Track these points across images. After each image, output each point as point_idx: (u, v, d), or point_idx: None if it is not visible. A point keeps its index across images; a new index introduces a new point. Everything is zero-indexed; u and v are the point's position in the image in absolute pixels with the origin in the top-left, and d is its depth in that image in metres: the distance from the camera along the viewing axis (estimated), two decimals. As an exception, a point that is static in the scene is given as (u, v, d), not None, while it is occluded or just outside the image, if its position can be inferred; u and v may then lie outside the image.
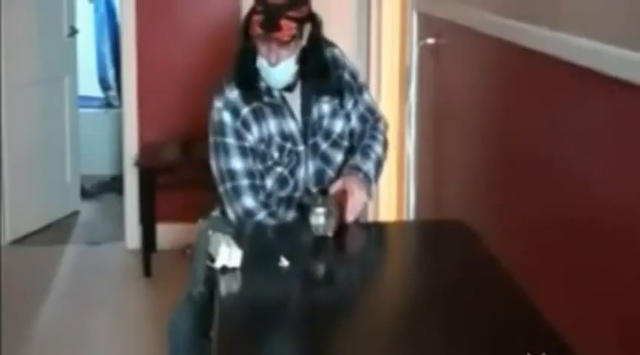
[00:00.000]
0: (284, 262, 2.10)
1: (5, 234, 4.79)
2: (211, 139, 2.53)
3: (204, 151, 2.63)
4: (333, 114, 2.56)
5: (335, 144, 2.57)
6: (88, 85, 6.11)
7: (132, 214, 4.77)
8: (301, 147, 2.53)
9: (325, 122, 2.55)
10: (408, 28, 3.44)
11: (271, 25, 2.34)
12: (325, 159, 2.56)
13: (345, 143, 2.60)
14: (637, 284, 1.46)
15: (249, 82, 2.48)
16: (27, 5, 4.87)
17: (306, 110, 2.53)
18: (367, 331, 1.82)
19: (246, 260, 2.07)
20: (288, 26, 2.35)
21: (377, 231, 2.77)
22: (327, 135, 2.56)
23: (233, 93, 2.49)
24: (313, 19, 2.47)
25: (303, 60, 2.45)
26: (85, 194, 5.65)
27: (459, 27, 2.60)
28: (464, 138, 2.67)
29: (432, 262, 2.27)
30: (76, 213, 5.40)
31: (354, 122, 2.61)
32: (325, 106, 2.55)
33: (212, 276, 2.09)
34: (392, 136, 4.08)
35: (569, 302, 1.76)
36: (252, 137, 2.49)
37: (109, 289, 4.31)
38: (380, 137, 2.65)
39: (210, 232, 2.14)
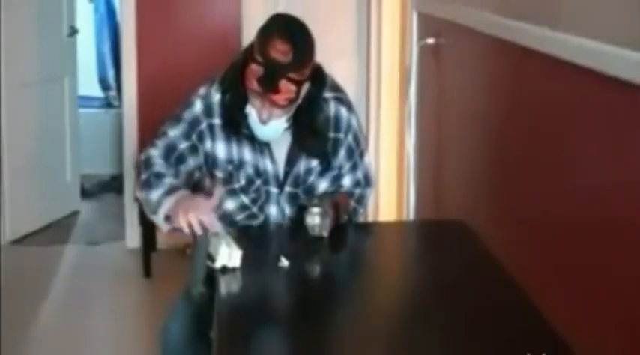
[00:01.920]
0: (284, 262, 2.10)
1: (5, 234, 4.78)
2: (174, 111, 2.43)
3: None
4: (322, 173, 2.42)
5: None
6: (88, 85, 6.11)
7: (132, 214, 4.77)
8: (274, 190, 2.40)
9: (310, 179, 2.41)
10: (408, 28, 3.45)
11: (270, 85, 2.18)
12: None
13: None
14: (637, 284, 1.46)
15: (234, 122, 2.33)
16: (27, 5, 4.87)
17: (291, 161, 2.39)
18: (367, 331, 1.83)
19: (246, 260, 2.07)
20: (286, 88, 2.19)
21: (377, 230, 2.77)
22: (309, 191, 2.41)
23: (215, 98, 2.38)
24: (315, 77, 2.30)
25: (295, 118, 2.31)
26: (85, 194, 5.65)
27: (459, 27, 2.60)
28: (464, 138, 2.67)
29: (432, 262, 2.27)
30: (76, 213, 5.40)
31: (347, 183, 2.47)
32: (314, 162, 2.40)
33: (212, 276, 2.09)
34: (392, 136, 4.10)
35: (569, 302, 1.76)
36: (209, 148, 2.37)
37: (109, 289, 4.31)
38: (364, 201, 2.55)
39: (210, 232, 2.14)
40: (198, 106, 2.39)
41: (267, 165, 2.38)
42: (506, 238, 2.18)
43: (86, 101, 6.01)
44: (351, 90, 4.38)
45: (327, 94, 2.39)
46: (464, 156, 2.67)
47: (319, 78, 2.34)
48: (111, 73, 6.28)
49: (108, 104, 6.40)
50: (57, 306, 4.03)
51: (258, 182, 2.38)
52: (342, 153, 2.43)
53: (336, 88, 2.45)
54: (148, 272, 4.40)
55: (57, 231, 5.09)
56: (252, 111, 2.27)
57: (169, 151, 2.40)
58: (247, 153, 2.37)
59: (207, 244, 2.10)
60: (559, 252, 1.82)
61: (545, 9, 1.90)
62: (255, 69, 2.19)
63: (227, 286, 2.02)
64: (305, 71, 2.23)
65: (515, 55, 2.06)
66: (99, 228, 5.17)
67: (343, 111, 2.42)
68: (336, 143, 2.41)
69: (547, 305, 1.81)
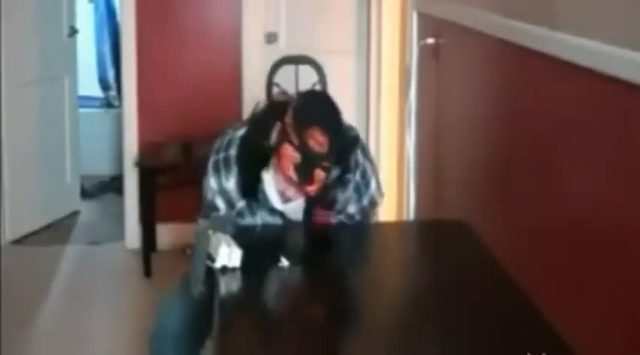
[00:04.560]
0: (284, 262, 2.10)
1: (5, 234, 4.78)
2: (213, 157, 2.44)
3: (204, 151, 2.63)
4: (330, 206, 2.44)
5: None
6: (88, 85, 6.11)
7: (132, 214, 4.77)
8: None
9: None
10: (408, 28, 3.44)
11: (306, 176, 2.22)
12: None
13: None
14: (637, 284, 1.46)
15: (249, 186, 2.36)
16: (27, 5, 4.87)
17: (307, 213, 2.40)
18: (367, 331, 1.83)
19: (246, 260, 2.07)
20: (319, 177, 2.23)
21: (377, 230, 2.77)
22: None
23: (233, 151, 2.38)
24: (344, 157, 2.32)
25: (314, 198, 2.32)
26: (85, 194, 5.65)
27: (459, 27, 2.60)
28: (464, 138, 2.67)
29: (432, 262, 2.27)
30: (76, 213, 5.40)
31: (352, 211, 2.48)
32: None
33: (212, 276, 2.09)
34: (392, 136, 4.10)
35: (569, 302, 1.76)
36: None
37: (109, 289, 4.31)
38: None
39: (210, 232, 2.14)
40: (232, 152, 2.40)
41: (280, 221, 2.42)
42: (506, 238, 2.18)
43: (86, 101, 6.00)
44: (351, 90, 4.42)
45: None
46: (464, 156, 2.67)
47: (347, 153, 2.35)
48: (111, 73, 6.28)
49: (108, 104, 6.40)
50: (57, 306, 4.03)
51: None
52: (350, 189, 2.44)
53: (350, 127, 2.45)
54: (148, 272, 4.40)
55: (57, 231, 5.08)
56: (271, 190, 2.30)
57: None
58: (265, 215, 2.40)
59: (208, 244, 2.10)
60: (559, 252, 1.82)
61: (545, 9, 1.90)
62: (292, 153, 2.21)
63: (227, 286, 2.02)
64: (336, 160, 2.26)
65: (515, 55, 2.06)
66: (99, 228, 5.16)
67: (359, 156, 2.44)
68: (345, 182, 2.42)
69: (547, 306, 1.81)
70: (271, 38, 4.66)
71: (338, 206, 2.44)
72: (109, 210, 5.45)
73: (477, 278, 2.08)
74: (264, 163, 2.31)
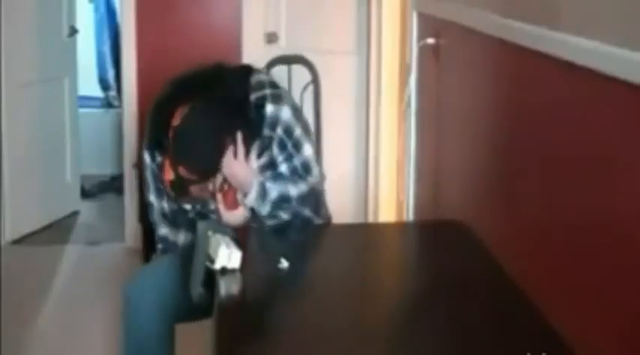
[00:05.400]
0: (284, 263, 2.09)
1: (5, 234, 4.78)
2: None
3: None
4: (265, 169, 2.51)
5: None
6: (88, 85, 6.11)
7: (132, 214, 4.77)
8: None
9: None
10: (408, 28, 3.44)
11: (180, 191, 2.40)
12: None
13: None
14: (638, 284, 1.46)
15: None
16: (27, 5, 4.87)
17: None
18: (367, 331, 1.82)
19: (245, 261, 2.07)
20: (195, 189, 2.39)
21: (377, 231, 2.77)
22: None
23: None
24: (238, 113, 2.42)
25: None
26: (85, 194, 5.65)
27: (459, 27, 2.59)
28: (464, 139, 2.67)
29: (432, 262, 2.27)
30: (75, 213, 5.40)
31: (283, 171, 2.51)
32: (260, 161, 2.50)
33: (212, 277, 2.09)
34: (392, 136, 4.10)
35: (569, 302, 1.75)
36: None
37: (109, 289, 4.31)
38: (302, 186, 2.51)
39: (209, 233, 2.14)
40: (146, 157, 2.70)
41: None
42: (505, 238, 2.18)
43: (86, 101, 6.01)
44: (351, 90, 4.42)
45: (252, 96, 2.45)
46: (464, 156, 2.67)
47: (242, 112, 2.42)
48: (111, 73, 6.28)
49: (108, 104, 6.40)
50: (57, 306, 4.03)
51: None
52: (275, 147, 2.48)
53: (260, 85, 2.48)
54: (147, 272, 4.40)
55: (57, 231, 5.09)
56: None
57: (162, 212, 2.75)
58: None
59: (207, 245, 2.10)
60: (559, 253, 1.82)
61: (545, 9, 1.90)
62: (169, 168, 2.36)
63: (227, 288, 2.02)
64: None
65: (515, 55, 2.06)
66: (99, 228, 5.17)
67: (269, 108, 2.45)
68: (270, 140, 2.47)
69: (547, 305, 1.81)
70: (271, 38, 4.66)
71: (261, 161, 2.48)
72: (109, 210, 5.46)
73: (477, 278, 2.08)
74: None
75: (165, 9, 4.76)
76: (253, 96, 2.45)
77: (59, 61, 5.21)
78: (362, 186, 4.35)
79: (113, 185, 5.83)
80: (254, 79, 2.49)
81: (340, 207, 3.22)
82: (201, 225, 2.22)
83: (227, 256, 2.06)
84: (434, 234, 2.58)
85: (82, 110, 5.64)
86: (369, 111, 4.27)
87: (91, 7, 6.32)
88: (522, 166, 2.07)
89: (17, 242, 4.83)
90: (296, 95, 3.80)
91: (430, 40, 3.00)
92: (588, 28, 1.64)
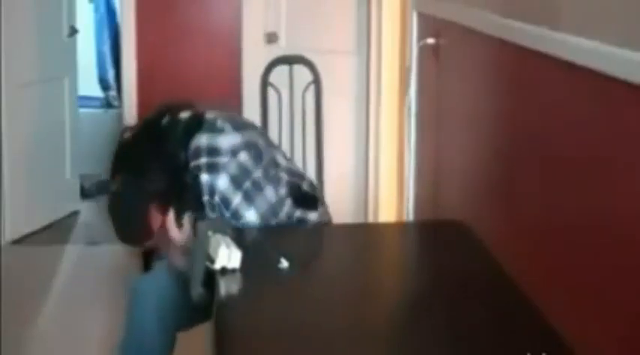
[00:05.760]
0: (284, 263, 2.09)
1: (5, 234, 4.78)
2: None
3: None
4: None
5: None
6: (88, 85, 6.12)
7: (132, 214, 4.76)
8: None
9: None
10: (408, 28, 3.44)
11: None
12: None
13: None
14: (638, 284, 1.46)
15: None
16: (27, 5, 4.87)
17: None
18: (366, 332, 1.82)
19: (245, 261, 2.07)
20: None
21: (377, 231, 2.77)
22: None
23: None
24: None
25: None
26: (85, 194, 5.65)
27: (459, 27, 2.60)
28: (464, 139, 2.67)
29: (431, 262, 2.27)
30: (75, 213, 5.39)
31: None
32: None
33: (212, 277, 2.09)
34: (392, 136, 4.09)
35: (569, 302, 1.75)
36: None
37: (109, 289, 4.31)
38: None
39: (209, 233, 2.14)
40: None
41: None
42: (505, 238, 2.18)
43: (86, 101, 6.01)
44: (351, 90, 4.41)
45: (190, 164, 2.46)
46: (464, 156, 2.67)
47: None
48: (111, 73, 6.29)
49: (108, 104, 6.41)
50: (57, 306, 4.03)
51: None
52: (214, 214, 2.46)
53: (197, 153, 2.47)
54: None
55: (57, 231, 5.08)
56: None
57: None
58: None
59: (207, 245, 2.10)
60: (559, 253, 1.82)
61: (545, 9, 1.90)
62: None
63: (226, 287, 2.02)
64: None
65: (515, 55, 2.06)
66: (99, 228, 5.15)
67: (204, 177, 2.44)
68: (211, 206, 2.46)
69: (547, 306, 1.81)
70: (271, 38, 4.66)
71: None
72: (109, 210, 5.45)
73: (477, 278, 2.08)
74: None
75: (165, 9, 4.76)
76: (191, 164, 2.46)
77: (59, 61, 5.21)
78: (362, 186, 4.35)
79: (113, 185, 5.82)
80: (193, 143, 2.47)
81: (340, 207, 3.22)
82: (201, 225, 2.22)
83: (227, 256, 2.06)
84: (434, 234, 2.58)
85: (82, 110, 5.64)
86: (369, 111, 4.27)
87: (91, 7, 6.33)
88: (522, 166, 2.07)
89: (17, 242, 4.83)
90: (297, 95, 3.81)
91: (430, 40, 3.00)
92: (588, 28, 1.64)
